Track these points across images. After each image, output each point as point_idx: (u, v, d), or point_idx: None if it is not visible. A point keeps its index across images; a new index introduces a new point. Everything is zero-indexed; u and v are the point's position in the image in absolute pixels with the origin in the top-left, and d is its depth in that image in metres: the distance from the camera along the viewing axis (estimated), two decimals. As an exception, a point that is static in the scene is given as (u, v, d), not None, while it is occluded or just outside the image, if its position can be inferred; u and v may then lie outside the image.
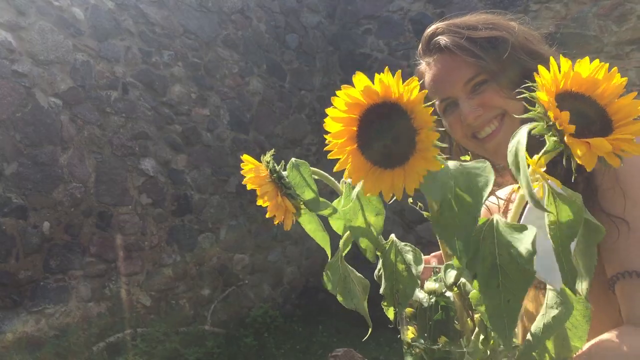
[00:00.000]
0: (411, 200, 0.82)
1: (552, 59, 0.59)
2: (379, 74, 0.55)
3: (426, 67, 1.10)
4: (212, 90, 5.11)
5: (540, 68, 0.58)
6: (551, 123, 0.57)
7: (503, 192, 1.11)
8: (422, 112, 0.54)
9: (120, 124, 4.31)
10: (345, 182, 0.70)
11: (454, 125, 1.06)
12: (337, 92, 0.57)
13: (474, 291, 0.57)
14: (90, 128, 4.08)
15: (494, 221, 0.58)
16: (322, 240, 0.76)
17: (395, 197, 0.57)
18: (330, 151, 0.59)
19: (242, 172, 0.72)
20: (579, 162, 0.55)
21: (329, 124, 0.58)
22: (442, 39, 1.04)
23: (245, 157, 0.71)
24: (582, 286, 0.60)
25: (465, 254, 0.57)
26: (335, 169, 0.59)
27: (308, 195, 0.72)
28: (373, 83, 0.56)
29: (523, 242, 0.55)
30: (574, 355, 0.63)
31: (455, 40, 1.02)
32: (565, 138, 0.55)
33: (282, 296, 5.79)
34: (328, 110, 0.58)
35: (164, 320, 4.47)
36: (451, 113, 1.06)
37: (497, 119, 1.02)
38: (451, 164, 0.60)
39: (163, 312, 4.56)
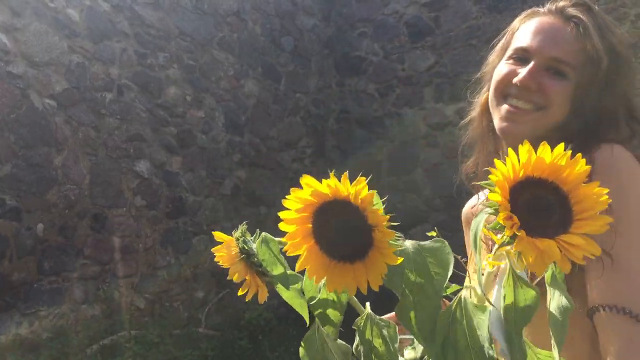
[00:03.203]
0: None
1: (510, 150, 0.57)
2: (326, 180, 0.54)
3: (527, 19, 1.06)
4: (207, 92, 5.11)
5: (497, 162, 0.56)
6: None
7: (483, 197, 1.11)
8: (374, 211, 0.54)
9: (115, 125, 4.30)
10: None
11: (504, 74, 1.04)
12: (288, 197, 0.56)
13: None
14: (85, 130, 4.07)
15: (462, 301, 0.59)
16: (300, 307, 0.78)
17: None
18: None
19: (213, 250, 0.74)
20: (529, 269, 0.55)
21: (284, 226, 0.58)
22: (579, 12, 0.99)
23: (216, 233, 0.73)
24: (555, 356, 0.61)
25: (431, 343, 0.59)
26: (296, 269, 0.60)
27: (277, 271, 0.74)
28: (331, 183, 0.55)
29: (482, 328, 0.57)
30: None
31: (591, 22, 0.97)
32: (515, 243, 0.54)
33: (276, 299, 5.78)
34: (281, 214, 0.57)
35: (158, 322, 4.46)
36: (513, 64, 1.04)
37: (535, 106, 0.99)
38: (410, 246, 0.61)
39: (157, 315, 4.55)
